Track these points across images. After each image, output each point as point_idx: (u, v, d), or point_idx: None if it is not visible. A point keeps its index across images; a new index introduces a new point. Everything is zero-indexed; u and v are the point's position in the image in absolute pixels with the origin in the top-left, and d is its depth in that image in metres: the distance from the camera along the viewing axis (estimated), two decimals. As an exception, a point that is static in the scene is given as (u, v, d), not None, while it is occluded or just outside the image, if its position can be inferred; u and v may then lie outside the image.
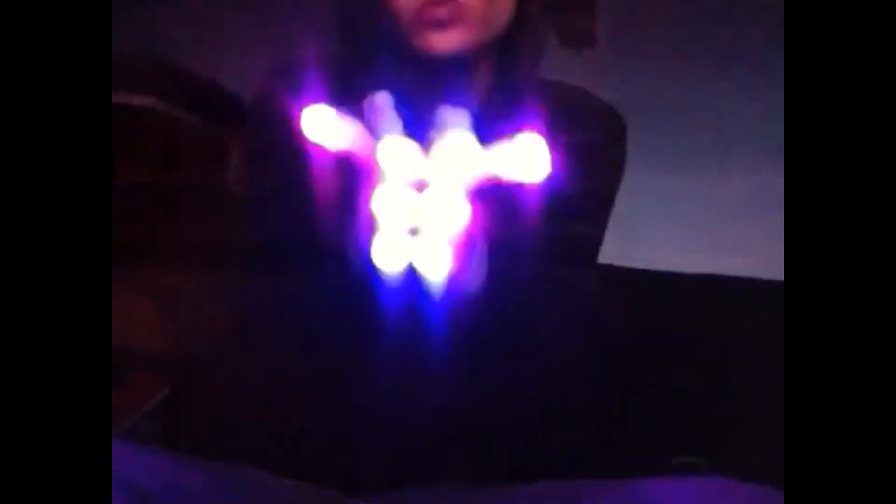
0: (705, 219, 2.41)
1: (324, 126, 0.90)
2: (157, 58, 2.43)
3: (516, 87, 1.12)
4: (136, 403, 1.99)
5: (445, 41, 1.06)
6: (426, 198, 0.89)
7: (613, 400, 1.89)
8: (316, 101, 0.93)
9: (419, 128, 0.93)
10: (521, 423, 1.15)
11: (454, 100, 1.11)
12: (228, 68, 2.42)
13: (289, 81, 1.11)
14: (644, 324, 2.14)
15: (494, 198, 0.91)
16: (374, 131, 0.89)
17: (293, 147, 0.95)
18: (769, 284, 2.13)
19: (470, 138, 0.91)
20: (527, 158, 0.89)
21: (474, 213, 0.90)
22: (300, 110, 0.92)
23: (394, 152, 0.89)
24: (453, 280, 0.91)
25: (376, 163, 0.89)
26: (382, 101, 0.89)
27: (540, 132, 0.89)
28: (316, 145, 0.90)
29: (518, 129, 0.91)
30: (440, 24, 1.05)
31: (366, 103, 0.90)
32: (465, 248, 0.91)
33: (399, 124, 0.89)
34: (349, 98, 1.01)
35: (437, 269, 0.87)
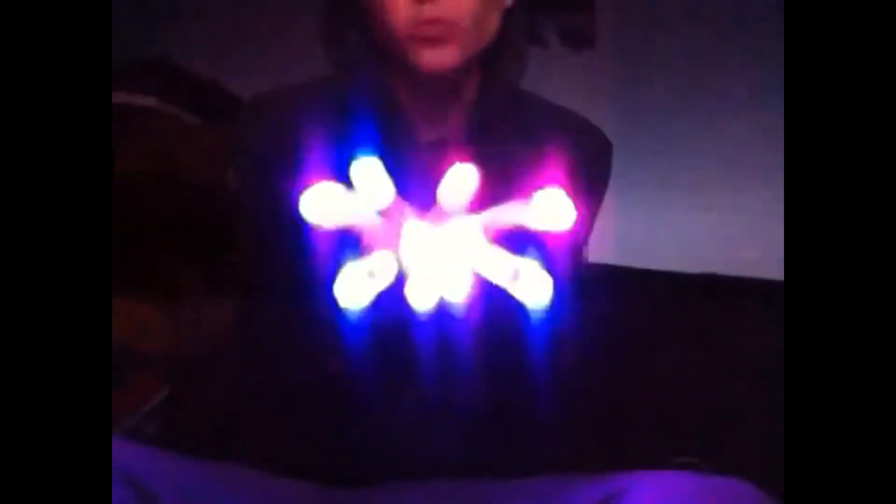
0: (706, 219, 2.42)
1: (321, 207, 0.86)
2: (158, 58, 2.43)
3: (501, 100, 1.13)
4: (136, 403, 1.99)
5: (438, 58, 1.06)
6: (445, 231, 0.88)
7: (613, 400, 1.90)
8: (304, 171, 0.92)
9: (408, 174, 0.92)
10: (519, 420, 1.15)
11: (441, 115, 1.12)
12: (228, 68, 2.43)
13: (269, 120, 1.12)
14: (644, 324, 2.15)
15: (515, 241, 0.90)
16: (368, 199, 0.87)
17: (279, 214, 0.95)
18: (769, 284, 2.13)
19: (476, 224, 0.90)
20: (552, 212, 0.88)
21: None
22: (286, 177, 0.92)
23: (403, 227, 0.88)
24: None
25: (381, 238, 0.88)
26: (371, 165, 0.87)
27: (556, 182, 0.89)
28: (313, 226, 0.88)
29: (535, 184, 0.89)
30: (433, 42, 1.05)
31: (353, 169, 0.87)
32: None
33: (392, 189, 0.88)
34: (338, 132, 1.02)
35: (459, 294, 0.86)
